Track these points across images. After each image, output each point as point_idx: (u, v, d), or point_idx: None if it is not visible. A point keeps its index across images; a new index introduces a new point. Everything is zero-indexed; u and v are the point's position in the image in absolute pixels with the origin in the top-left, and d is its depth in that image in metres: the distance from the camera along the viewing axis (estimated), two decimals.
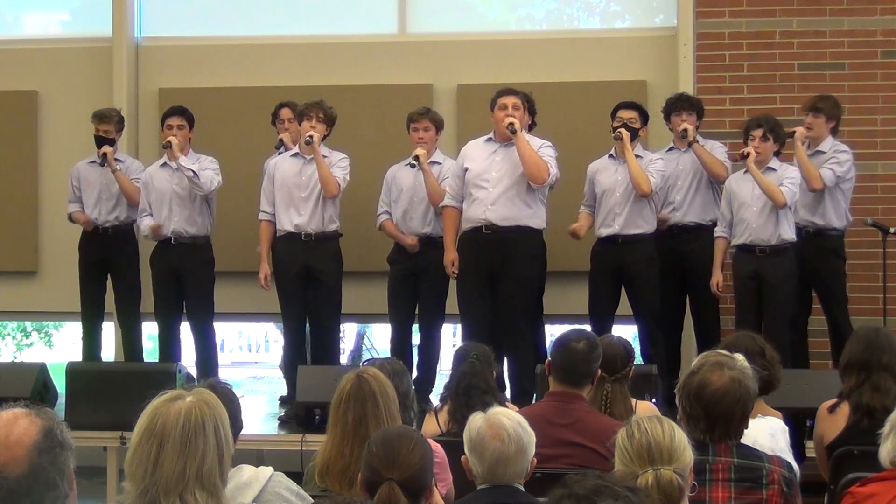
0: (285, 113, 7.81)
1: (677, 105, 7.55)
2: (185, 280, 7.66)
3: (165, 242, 7.67)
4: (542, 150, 7.05)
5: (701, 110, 7.58)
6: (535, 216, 7.09)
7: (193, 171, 7.53)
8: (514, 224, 7.02)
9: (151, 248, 8.28)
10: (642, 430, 3.12)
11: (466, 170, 7.13)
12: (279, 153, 7.69)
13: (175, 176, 7.64)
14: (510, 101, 7.03)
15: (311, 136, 7.22)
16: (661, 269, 7.46)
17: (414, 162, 7.42)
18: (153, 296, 7.81)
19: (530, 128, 7.51)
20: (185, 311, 7.77)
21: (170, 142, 7.59)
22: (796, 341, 7.31)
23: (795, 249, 7.15)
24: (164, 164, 7.74)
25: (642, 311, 7.37)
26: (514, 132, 6.91)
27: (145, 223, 7.66)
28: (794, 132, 7.20)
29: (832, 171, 7.24)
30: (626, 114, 7.40)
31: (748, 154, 7.02)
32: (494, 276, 7.04)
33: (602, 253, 7.44)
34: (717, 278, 7.23)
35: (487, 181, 7.06)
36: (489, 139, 7.20)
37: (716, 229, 7.31)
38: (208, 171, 7.61)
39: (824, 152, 7.29)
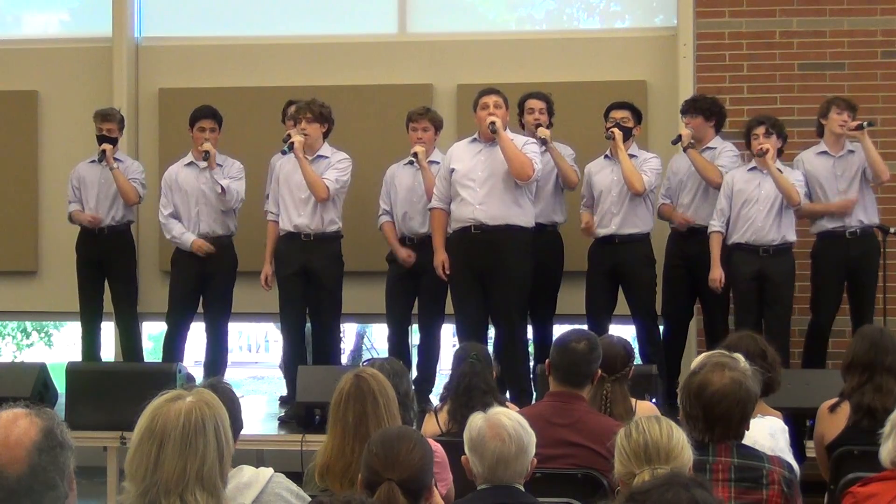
0: (294, 110, 7.79)
1: (683, 109, 7.56)
2: (209, 280, 7.63)
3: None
4: (525, 146, 7.04)
5: (707, 111, 7.45)
6: (523, 214, 7.08)
7: (222, 186, 7.50)
8: (503, 223, 6.99)
9: (154, 247, 8.27)
10: (640, 430, 3.13)
11: (453, 171, 7.13)
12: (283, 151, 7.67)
13: (202, 176, 7.62)
14: (491, 100, 7.03)
15: (292, 143, 7.22)
16: (672, 271, 7.46)
17: (412, 158, 7.43)
18: (168, 294, 7.77)
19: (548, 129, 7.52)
20: (201, 310, 7.73)
21: (208, 151, 7.54)
22: (819, 344, 7.29)
23: (842, 251, 7.16)
24: (190, 164, 7.70)
25: (639, 310, 7.36)
26: (494, 131, 6.91)
27: (179, 231, 7.61)
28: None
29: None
30: (618, 114, 7.40)
31: (767, 150, 6.99)
32: (485, 275, 7.02)
33: (598, 253, 7.44)
34: (718, 273, 7.09)
35: (474, 181, 7.05)
36: (474, 139, 7.20)
37: (712, 223, 7.19)
38: (234, 182, 7.59)
39: (853, 151, 7.30)
